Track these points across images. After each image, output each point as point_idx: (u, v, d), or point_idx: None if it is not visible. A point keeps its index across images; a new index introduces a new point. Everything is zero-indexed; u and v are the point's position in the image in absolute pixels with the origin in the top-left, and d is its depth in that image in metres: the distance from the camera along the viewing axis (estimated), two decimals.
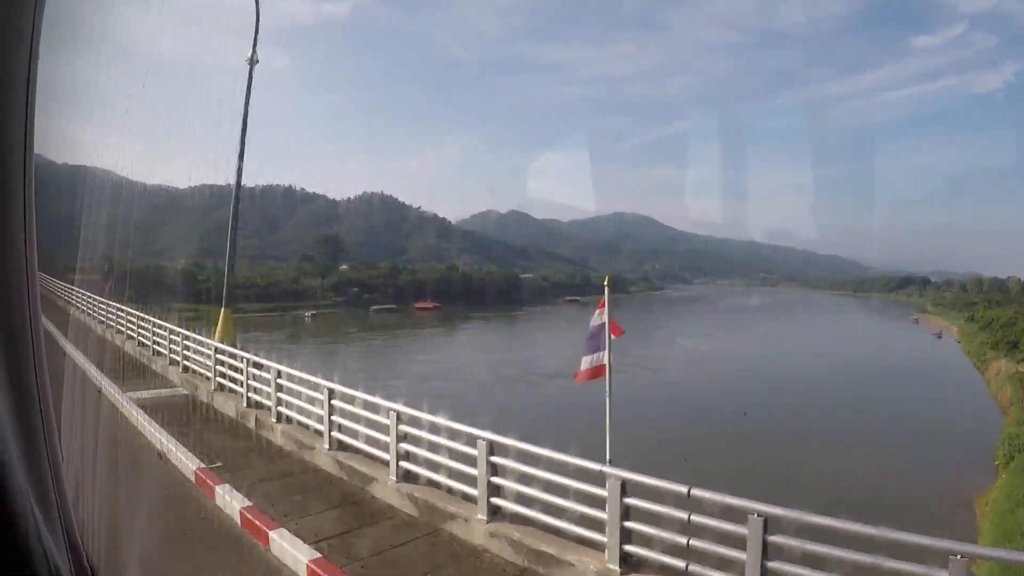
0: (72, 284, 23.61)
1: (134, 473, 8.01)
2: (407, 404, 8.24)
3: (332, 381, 9.40)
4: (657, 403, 31.72)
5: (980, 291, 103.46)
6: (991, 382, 42.86)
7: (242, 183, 17.63)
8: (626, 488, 5.60)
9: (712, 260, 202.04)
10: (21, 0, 1.22)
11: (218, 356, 12.83)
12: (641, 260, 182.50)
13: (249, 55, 16.20)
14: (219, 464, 8.60)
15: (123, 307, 19.43)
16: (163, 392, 13.96)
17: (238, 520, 7.06)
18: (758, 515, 4.80)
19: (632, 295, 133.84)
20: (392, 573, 6.09)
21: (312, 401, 9.58)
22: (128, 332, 18.76)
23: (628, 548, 5.59)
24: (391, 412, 7.88)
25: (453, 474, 7.24)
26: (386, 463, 8.02)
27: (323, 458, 9.01)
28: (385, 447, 8.04)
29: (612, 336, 7.29)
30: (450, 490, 7.30)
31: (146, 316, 17.80)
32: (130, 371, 16.42)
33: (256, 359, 11.32)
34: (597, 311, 7.45)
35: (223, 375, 12.58)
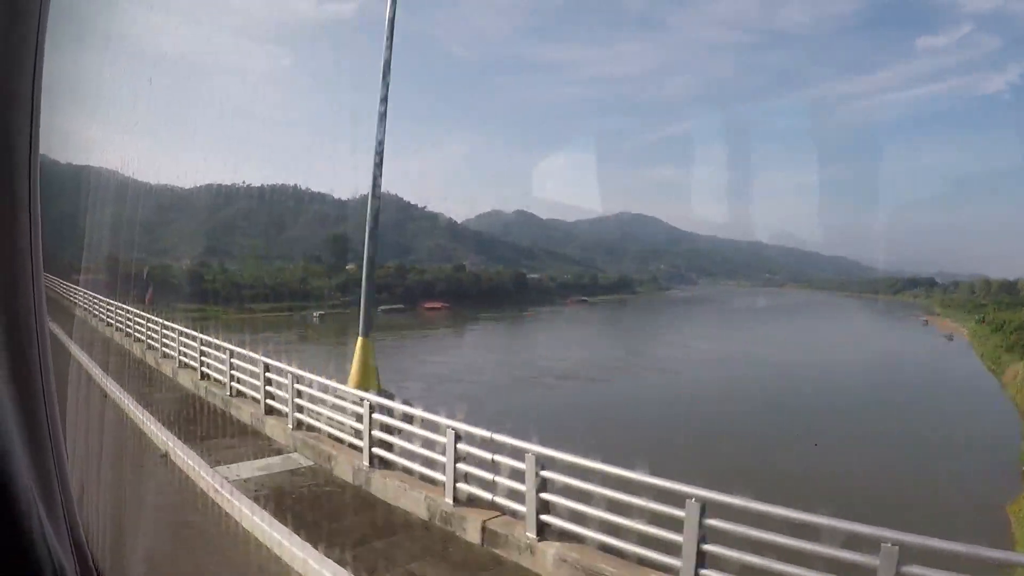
0: (77, 284, 22.98)
1: None
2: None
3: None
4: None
5: (988, 293, 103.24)
6: (1008, 385, 42.88)
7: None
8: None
9: (716, 261, 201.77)
10: (27, 0, 1.23)
11: (355, 407, 8.94)
12: (645, 260, 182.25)
13: (384, 55, 11.22)
14: None
15: (169, 323, 15.81)
16: (272, 463, 9.22)
17: None
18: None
19: (639, 295, 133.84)
20: None
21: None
22: (186, 359, 14.35)
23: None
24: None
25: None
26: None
27: None
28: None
29: None
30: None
31: (212, 340, 13.59)
32: (199, 420, 11.74)
33: (462, 427, 7.37)
34: None
35: (381, 441, 8.37)
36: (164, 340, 16.05)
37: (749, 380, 40.72)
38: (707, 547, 5.37)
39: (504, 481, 6.97)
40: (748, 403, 33.16)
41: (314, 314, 79.81)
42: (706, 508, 5.37)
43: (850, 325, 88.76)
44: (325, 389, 9.66)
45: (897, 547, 4.41)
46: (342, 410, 9.25)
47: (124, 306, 19.79)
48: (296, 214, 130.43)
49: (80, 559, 1.47)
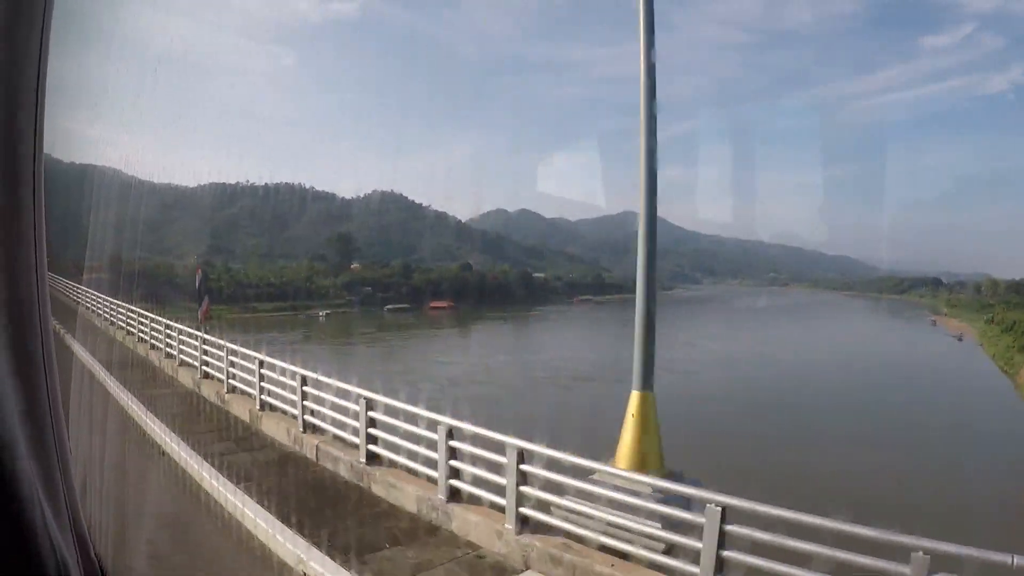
0: (80, 284, 22.87)
1: None
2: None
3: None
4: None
5: (995, 293, 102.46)
6: (1022, 386, 42.66)
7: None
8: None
9: (720, 260, 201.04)
10: (30, 0, 1.23)
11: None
12: None
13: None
14: None
15: (223, 342, 13.20)
16: None
17: None
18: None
19: None
20: None
21: None
22: (256, 395, 11.64)
23: None
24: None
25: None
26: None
27: None
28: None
29: None
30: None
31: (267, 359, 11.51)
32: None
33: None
34: None
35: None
36: (182, 347, 15.26)
37: (765, 380, 40.38)
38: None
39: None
40: (766, 405, 32.76)
41: (320, 313, 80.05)
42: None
43: (858, 325, 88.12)
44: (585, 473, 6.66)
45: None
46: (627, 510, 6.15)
47: (127, 305, 19.72)
48: (300, 213, 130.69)
49: (83, 552, 1.49)
